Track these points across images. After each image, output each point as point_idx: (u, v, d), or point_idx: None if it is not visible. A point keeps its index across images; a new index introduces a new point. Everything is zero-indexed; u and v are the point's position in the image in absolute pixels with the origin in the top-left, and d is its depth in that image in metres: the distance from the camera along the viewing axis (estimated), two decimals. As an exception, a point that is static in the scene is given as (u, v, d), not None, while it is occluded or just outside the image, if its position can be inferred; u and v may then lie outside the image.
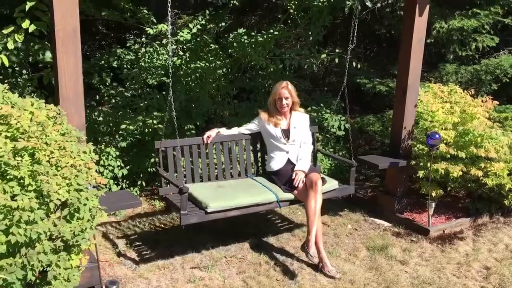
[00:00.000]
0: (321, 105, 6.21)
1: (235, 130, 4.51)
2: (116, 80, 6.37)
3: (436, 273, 3.95)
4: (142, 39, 6.57)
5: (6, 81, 4.87)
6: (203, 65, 5.63)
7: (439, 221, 4.86)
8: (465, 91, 5.23)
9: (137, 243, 4.26)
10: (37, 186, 2.34)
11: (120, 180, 5.14)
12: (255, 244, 4.30)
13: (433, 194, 4.75)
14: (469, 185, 4.86)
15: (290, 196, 4.11)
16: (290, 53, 5.90)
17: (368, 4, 5.67)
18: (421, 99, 5.02)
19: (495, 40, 6.28)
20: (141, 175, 5.29)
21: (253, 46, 5.60)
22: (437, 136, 4.46)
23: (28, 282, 2.46)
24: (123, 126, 5.16)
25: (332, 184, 4.33)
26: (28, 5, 3.68)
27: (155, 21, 6.12)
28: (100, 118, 5.46)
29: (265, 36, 5.60)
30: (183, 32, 5.82)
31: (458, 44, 6.37)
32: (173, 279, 3.71)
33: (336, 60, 6.16)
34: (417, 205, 5.09)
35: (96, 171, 2.80)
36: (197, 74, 5.72)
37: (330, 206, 5.03)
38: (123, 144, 5.23)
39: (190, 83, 5.73)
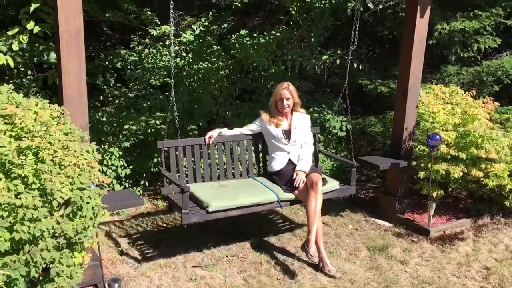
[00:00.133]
0: (323, 106, 6.24)
1: (236, 131, 4.54)
2: (119, 81, 6.43)
3: (436, 273, 3.97)
4: (146, 40, 6.63)
5: (11, 81, 4.92)
6: (206, 66, 5.68)
7: (440, 221, 4.88)
8: (466, 92, 5.25)
9: (140, 242, 4.31)
10: (40, 185, 2.39)
11: (123, 179, 5.19)
12: (256, 243, 4.34)
13: (434, 195, 4.77)
14: (470, 186, 4.88)
15: (291, 196, 4.14)
16: (292, 54, 5.94)
17: (370, 5, 5.70)
18: (422, 100, 5.05)
19: (497, 42, 6.30)
20: (144, 175, 5.35)
21: (255, 47, 5.65)
22: (437, 137, 4.48)
23: (32, 279, 2.51)
24: (126, 126, 5.21)
25: (333, 184, 4.36)
26: (33, 6, 3.73)
27: (158, 22, 6.17)
28: (104, 119, 5.51)
29: (267, 38, 5.64)
30: (186, 34, 5.87)
31: (460, 45, 6.39)
32: (175, 278, 3.75)
33: (338, 61, 6.19)
34: (418, 206, 5.11)
35: (99, 170, 2.85)
36: (200, 75, 5.77)
37: (332, 206, 5.06)
38: (127, 144, 5.28)
39: (193, 83, 5.78)
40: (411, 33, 4.73)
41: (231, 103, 6.18)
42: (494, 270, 4.02)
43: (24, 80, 5.38)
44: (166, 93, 5.72)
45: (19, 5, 4.48)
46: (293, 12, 5.92)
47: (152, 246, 4.22)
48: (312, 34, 6.02)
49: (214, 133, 4.37)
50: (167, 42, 6.03)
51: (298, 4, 5.85)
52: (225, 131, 4.48)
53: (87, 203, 2.59)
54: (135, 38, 6.84)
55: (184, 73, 5.81)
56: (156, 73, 5.87)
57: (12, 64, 4.06)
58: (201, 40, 5.91)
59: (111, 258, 3.98)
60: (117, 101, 6.08)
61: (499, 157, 4.63)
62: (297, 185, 4.10)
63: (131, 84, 6.04)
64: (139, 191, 5.27)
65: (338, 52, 6.22)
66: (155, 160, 5.27)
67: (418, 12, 4.63)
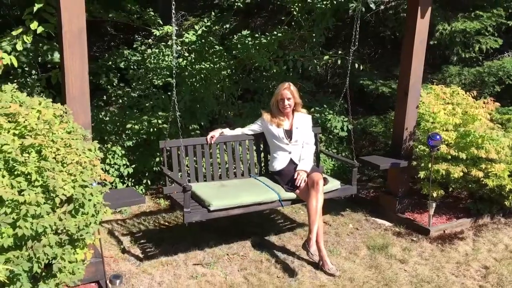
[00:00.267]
0: (324, 106, 6.27)
1: (238, 131, 4.57)
2: (123, 81, 6.48)
3: (435, 272, 4.00)
4: (149, 40, 6.68)
5: (15, 81, 4.99)
6: (208, 66, 5.72)
7: (440, 221, 4.90)
8: (467, 92, 5.27)
9: (142, 240, 4.35)
10: (43, 182, 2.44)
11: (126, 178, 5.24)
12: (257, 242, 4.37)
13: (434, 195, 4.80)
14: (470, 186, 4.90)
15: (292, 195, 4.17)
16: (293, 55, 5.97)
17: (372, 6, 5.73)
18: (423, 100, 5.07)
19: (498, 42, 6.31)
20: (147, 174, 5.39)
21: (257, 47, 5.68)
22: (438, 137, 4.51)
23: (34, 275, 2.56)
24: (128, 126, 5.25)
25: (334, 184, 4.38)
26: (36, 7, 3.78)
27: (161, 22, 6.21)
28: (107, 118, 5.56)
29: (268, 38, 5.68)
30: (188, 34, 5.91)
31: (461, 46, 6.40)
32: (176, 275, 3.79)
33: (339, 62, 6.23)
34: (418, 205, 5.14)
35: (102, 169, 2.89)
36: (202, 75, 5.81)
37: (332, 206, 5.09)
38: (129, 143, 5.33)
39: (195, 83, 5.82)
40: (412, 34, 4.76)
41: (233, 103, 6.22)
42: (493, 270, 4.04)
43: (28, 79, 5.44)
44: (169, 93, 5.76)
45: (23, 5, 4.55)
46: (295, 13, 5.95)
47: (154, 244, 4.27)
48: (313, 35, 6.05)
49: (216, 133, 4.40)
50: (169, 42, 6.07)
51: (300, 4, 5.88)
52: (227, 131, 4.51)
53: (89, 200, 2.64)
54: (139, 38, 6.89)
55: (186, 73, 5.85)
56: (159, 73, 5.91)
57: (16, 64, 4.10)
58: (203, 40, 5.95)
59: (113, 256, 4.03)
60: (120, 101, 6.13)
61: (499, 157, 4.64)
62: (298, 185, 4.13)
63: (134, 84, 6.09)
64: (141, 189, 5.32)
65: (339, 52, 6.25)
66: (157, 159, 5.31)
67: (419, 13, 4.66)
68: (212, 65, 5.75)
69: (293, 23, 6.27)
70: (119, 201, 3.53)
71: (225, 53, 5.95)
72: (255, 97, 6.45)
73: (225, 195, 3.96)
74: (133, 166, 5.23)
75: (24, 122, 2.63)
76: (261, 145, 4.65)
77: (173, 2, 3.66)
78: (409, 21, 4.81)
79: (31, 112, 2.74)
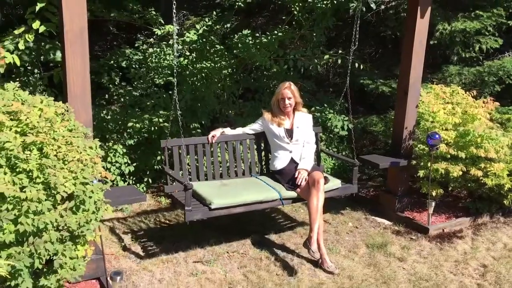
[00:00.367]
0: (325, 105, 6.30)
1: (239, 130, 4.59)
2: (124, 80, 6.52)
3: (434, 270, 4.02)
4: (151, 39, 6.71)
5: (17, 79, 5.03)
6: (209, 65, 5.75)
7: (439, 220, 4.93)
8: (467, 92, 5.29)
9: (143, 238, 4.39)
10: (44, 179, 2.47)
11: (127, 176, 5.27)
12: (257, 240, 4.40)
13: (434, 194, 4.82)
14: (469, 185, 4.92)
15: (293, 194, 4.19)
16: (294, 54, 6.00)
17: (372, 5, 5.75)
18: (423, 100, 5.09)
19: (498, 42, 6.32)
20: (148, 172, 5.43)
21: (257, 47, 5.71)
22: (437, 136, 4.53)
23: (35, 270, 2.60)
24: (130, 124, 5.29)
25: (335, 183, 4.39)
26: (39, 6, 3.82)
27: (162, 21, 6.25)
28: (108, 117, 5.60)
29: (269, 37, 5.71)
30: (190, 33, 5.95)
31: (461, 45, 6.42)
32: (176, 272, 3.82)
33: (339, 61, 6.25)
34: (418, 204, 5.17)
35: (103, 167, 2.93)
36: (203, 74, 5.84)
37: (332, 204, 5.12)
38: (130, 142, 5.37)
39: (196, 82, 5.85)
40: (411, 33, 4.79)
41: (234, 102, 6.25)
42: (491, 268, 4.07)
43: (30, 78, 5.48)
44: (170, 92, 5.80)
45: (26, 5, 4.58)
46: (295, 12, 5.98)
47: (155, 242, 4.30)
48: (314, 34, 6.08)
49: (217, 133, 4.42)
50: (171, 42, 6.11)
51: (300, 4, 5.91)
52: (228, 131, 4.52)
53: (90, 197, 2.67)
54: (141, 38, 6.93)
55: (188, 72, 5.89)
56: (160, 72, 5.95)
57: (18, 63, 4.14)
58: (204, 40, 5.98)
59: (114, 253, 4.07)
60: (122, 100, 6.17)
61: (498, 156, 4.66)
62: (299, 183, 4.16)
63: (135, 83, 6.12)
64: (142, 188, 5.36)
65: (340, 52, 6.28)
66: (158, 157, 5.35)
67: (418, 13, 4.69)
68: (213, 64, 5.78)
69: (293, 23, 6.30)
70: (120, 199, 3.56)
71: (226, 52, 5.98)
72: (256, 96, 6.48)
73: (226, 193, 3.98)
74: (134, 164, 5.26)
75: (26, 120, 2.66)
76: (262, 144, 4.67)
77: (174, 2, 3.69)
78: (409, 21, 4.84)
79: (33, 110, 2.78)
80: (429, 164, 4.69)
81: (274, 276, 3.82)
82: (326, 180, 4.23)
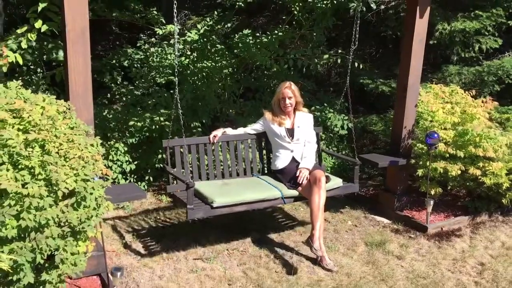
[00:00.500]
0: (325, 104, 6.34)
1: (241, 130, 4.62)
2: (126, 79, 6.57)
3: (432, 268, 4.06)
4: (152, 39, 6.76)
5: (20, 78, 5.08)
6: (210, 64, 5.79)
7: (438, 218, 4.96)
8: (466, 92, 5.32)
9: (143, 236, 4.43)
10: (46, 175, 2.52)
11: (128, 174, 5.32)
12: (256, 238, 4.44)
13: (432, 192, 4.85)
14: (468, 184, 4.95)
15: (294, 192, 4.22)
16: (294, 53, 6.04)
17: (373, 5, 5.78)
18: (422, 99, 5.12)
19: (498, 42, 6.35)
20: (149, 171, 5.47)
21: (258, 46, 5.75)
22: (435, 135, 4.56)
23: (37, 265, 2.64)
24: (131, 123, 5.34)
25: (337, 182, 4.42)
26: (41, 6, 3.87)
27: (164, 21, 6.30)
28: (110, 116, 5.65)
29: (269, 37, 5.75)
30: (191, 33, 5.99)
31: (461, 45, 6.45)
32: (176, 269, 3.87)
33: (339, 61, 6.29)
34: (417, 203, 5.20)
35: (105, 165, 2.97)
36: (204, 73, 5.89)
37: (332, 203, 5.15)
38: (132, 140, 5.41)
39: (197, 82, 5.90)
40: (411, 33, 4.82)
41: (234, 101, 6.29)
42: (488, 266, 4.10)
43: (33, 77, 5.54)
44: (171, 91, 5.84)
45: (29, 4, 4.63)
46: (295, 12, 6.02)
47: (155, 240, 4.35)
48: (314, 34, 6.12)
49: (218, 133, 4.44)
50: (172, 41, 6.16)
51: (300, 4, 5.95)
52: (229, 131, 4.54)
53: (91, 194, 2.71)
54: (144, 37, 6.98)
55: (189, 72, 5.93)
56: (161, 71, 5.99)
57: (21, 62, 4.20)
58: (205, 39, 6.03)
59: (115, 250, 4.11)
60: (124, 99, 6.22)
61: (496, 155, 4.68)
62: (300, 182, 4.18)
63: (137, 82, 6.17)
64: (143, 186, 5.40)
65: (339, 51, 6.31)
66: (159, 156, 5.39)
67: (417, 12, 4.72)
68: (214, 63, 5.83)
69: (294, 23, 6.34)
70: (121, 196, 3.60)
71: (226, 52, 6.02)
72: (256, 95, 6.53)
73: (228, 192, 4.01)
74: (136, 162, 5.30)
75: (28, 117, 2.70)
76: (263, 144, 4.69)
77: (175, 2, 3.73)
78: (408, 21, 4.87)
79: (35, 108, 2.82)
80: (428, 163, 4.73)
81: (273, 273, 3.86)
82: (328, 179, 4.26)
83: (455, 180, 4.91)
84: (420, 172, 4.85)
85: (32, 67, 5.71)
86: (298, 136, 4.43)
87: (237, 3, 6.06)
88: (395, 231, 4.73)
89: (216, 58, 5.88)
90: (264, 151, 4.71)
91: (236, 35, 6.07)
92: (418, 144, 4.95)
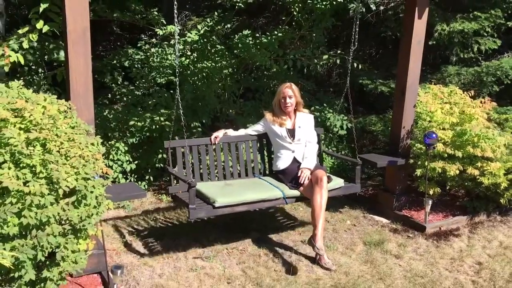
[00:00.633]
0: (324, 105, 6.37)
1: (242, 131, 4.64)
2: (127, 79, 6.61)
3: (429, 267, 4.08)
4: (153, 39, 6.80)
5: (22, 78, 5.12)
6: (210, 65, 5.83)
7: (436, 218, 4.99)
8: (465, 92, 5.35)
9: (144, 235, 4.47)
10: (47, 174, 2.55)
11: (129, 174, 5.35)
12: (256, 237, 4.47)
13: (431, 192, 4.88)
14: (466, 184, 4.97)
15: (296, 193, 4.23)
16: (293, 54, 6.07)
17: (372, 6, 5.82)
18: (421, 99, 5.15)
19: (497, 43, 6.38)
20: (149, 170, 5.51)
21: (258, 47, 5.79)
22: (434, 135, 4.59)
23: (38, 263, 2.67)
24: (131, 123, 5.37)
25: (338, 182, 4.43)
26: (42, 6, 3.90)
27: (164, 22, 6.34)
28: (111, 116, 5.69)
29: (269, 38, 5.78)
30: (191, 33, 6.03)
31: (460, 46, 6.48)
32: (176, 268, 3.90)
33: (338, 61, 6.32)
34: (416, 203, 5.23)
35: (106, 165, 3.00)
36: (204, 74, 5.92)
37: (331, 203, 5.13)
38: (132, 140, 5.45)
39: (197, 82, 5.94)
40: (409, 34, 4.85)
41: (234, 102, 6.33)
42: (486, 265, 4.12)
43: (34, 77, 5.58)
44: (171, 91, 5.88)
45: (30, 5, 4.68)
46: (295, 13, 6.06)
47: (156, 239, 4.38)
48: (313, 35, 6.15)
49: (219, 134, 4.46)
50: (172, 41, 6.19)
51: (300, 5, 5.98)
52: (231, 132, 4.56)
53: (91, 192, 2.75)
54: (144, 38, 7.02)
55: (189, 72, 5.97)
56: (162, 71, 6.03)
57: (23, 62, 4.23)
58: (205, 40, 6.06)
59: (116, 249, 4.15)
60: (125, 99, 6.26)
61: (495, 155, 4.71)
62: (302, 182, 4.20)
63: (137, 82, 6.21)
64: (144, 185, 5.44)
65: (339, 52, 6.35)
66: (160, 156, 5.43)
67: (416, 13, 4.75)
68: (214, 64, 5.86)
69: (293, 23, 6.38)
70: (121, 195, 3.63)
71: (226, 52, 6.06)
72: (256, 95, 6.56)
73: (230, 193, 4.02)
74: (136, 162, 5.34)
75: (29, 117, 2.74)
76: (265, 145, 4.71)
77: (175, 3, 3.76)
78: (407, 22, 4.90)
79: (36, 107, 2.86)
80: (426, 163, 4.75)
81: (272, 272, 3.89)
82: (329, 179, 4.28)
83: (454, 180, 4.94)
84: (418, 172, 4.88)
85: (33, 67, 5.75)
86: (299, 137, 4.45)
87: (237, 4, 6.10)
88: (394, 231, 4.76)
89: (216, 59, 5.91)
90: (266, 152, 4.73)
91: (236, 35, 6.10)
92: (416, 144, 4.98)
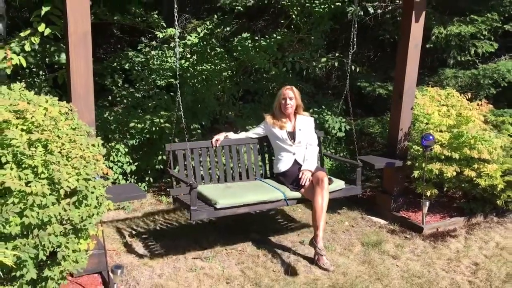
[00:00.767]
0: (323, 107, 6.42)
1: (242, 135, 4.67)
2: (127, 81, 6.65)
3: (426, 267, 4.12)
4: (153, 42, 6.85)
5: (23, 80, 5.17)
6: (209, 67, 5.87)
7: (433, 219, 5.03)
8: (462, 94, 5.39)
9: (144, 236, 4.51)
10: (49, 174, 2.59)
11: (129, 175, 5.39)
12: (255, 238, 4.51)
13: (428, 194, 4.92)
14: (463, 185, 5.02)
15: (297, 194, 4.25)
16: (292, 57, 6.12)
17: (370, 10, 5.87)
18: (418, 102, 5.20)
19: (494, 46, 6.43)
20: (149, 172, 5.55)
21: (257, 50, 5.84)
22: (431, 137, 4.63)
23: (40, 262, 2.71)
24: (131, 125, 5.42)
25: (339, 184, 4.46)
26: (44, 10, 3.95)
27: (164, 25, 6.39)
28: (111, 118, 5.73)
29: (268, 41, 5.83)
30: (191, 36, 6.08)
31: (457, 49, 6.52)
32: (176, 268, 3.94)
33: (336, 64, 6.37)
34: (413, 204, 5.27)
35: (106, 166, 3.05)
36: (204, 76, 5.97)
37: (330, 204, 5.11)
38: (132, 141, 5.49)
39: (197, 84, 5.98)
40: (406, 38, 4.90)
41: (233, 104, 6.37)
42: (482, 266, 4.16)
43: (36, 79, 5.62)
44: (171, 93, 5.92)
45: (32, 8, 4.73)
46: (294, 16, 6.11)
47: (155, 240, 4.42)
48: (312, 38, 6.20)
49: (220, 137, 4.49)
50: (172, 44, 6.24)
51: (299, 8, 6.04)
52: (232, 135, 4.59)
53: (92, 192, 2.79)
54: (145, 41, 7.07)
55: (188, 74, 6.02)
56: (162, 74, 6.08)
57: (24, 64, 4.28)
58: (205, 43, 6.11)
59: (116, 249, 4.19)
60: (125, 101, 6.30)
61: (491, 157, 4.76)
62: (303, 184, 4.24)
63: (137, 85, 6.26)
64: (144, 187, 5.48)
65: (336, 54, 6.40)
66: (159, 157, 5.47)
67: (413, 17, 4.80)
68: (213, 66, 5.91)
69: (292, 26, 6.43)
70: (121, 196, 3.67)
71: (226, 55, 6.11)
72: (255, 98, 6.61)
73: (231, 194, 4.04)
74: (136, 164, 5.38)
75: (31, 118, 2.78)
76: (265, 148, 4.73)
77: (175, 6, 3.81)
78: (404, 25, 4.94)
79: (38, 109, 2.90)
80: (423, 165, 4.80)
81: (270, 272, 3.93)
82: (330, 181, 4.31)
83: (451, 182, 4.98)
84: (416, 173, 4.92)
85: (35, 69, 5.80)
86: (300, 139, 4.48)
87: (237, 7, 6.15)
88: (391, 232, 4.80)
89: (216, 61, 5.96)
90: (266, 155, 4.76)
91: (235, 38, 6.15)
92: (414, 146, 5.03)
